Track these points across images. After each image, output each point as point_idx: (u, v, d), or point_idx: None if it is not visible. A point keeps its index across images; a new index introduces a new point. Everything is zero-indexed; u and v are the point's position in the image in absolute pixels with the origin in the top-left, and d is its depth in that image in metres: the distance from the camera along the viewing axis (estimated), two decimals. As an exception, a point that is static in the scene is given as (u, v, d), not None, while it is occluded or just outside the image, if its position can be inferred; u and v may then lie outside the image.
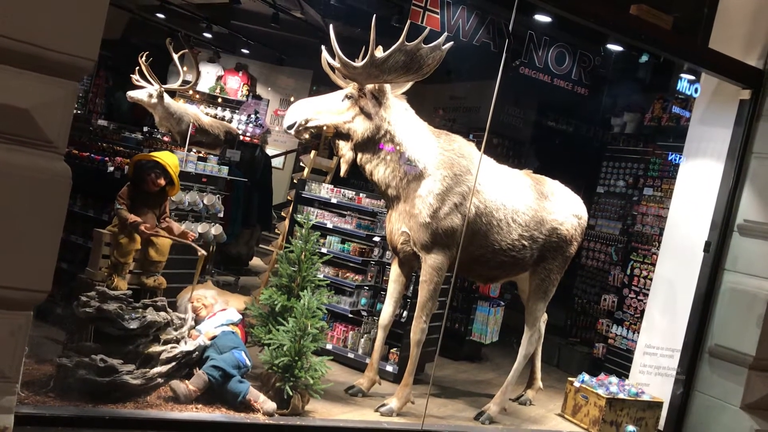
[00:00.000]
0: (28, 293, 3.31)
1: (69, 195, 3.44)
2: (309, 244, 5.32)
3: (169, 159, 5.05)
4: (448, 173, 5.36)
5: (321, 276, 6.33)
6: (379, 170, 5.35)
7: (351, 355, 6.47)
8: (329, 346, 6.50)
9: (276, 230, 7.33)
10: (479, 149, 5.59)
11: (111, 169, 5.57)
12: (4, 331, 3.27)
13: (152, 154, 5.09)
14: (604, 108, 8.89)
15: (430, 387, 5.63)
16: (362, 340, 6.49)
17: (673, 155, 7.46)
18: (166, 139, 8.34)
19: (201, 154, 6.19)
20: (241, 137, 11.02)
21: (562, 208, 5.96)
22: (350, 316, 6.59)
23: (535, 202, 5.79)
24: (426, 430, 5.23)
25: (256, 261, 10.64)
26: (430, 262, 5.37)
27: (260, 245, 10.89)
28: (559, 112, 9.78)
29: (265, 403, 4.75)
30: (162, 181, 5.02)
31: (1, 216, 3.19)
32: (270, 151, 12.30)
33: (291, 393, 4.81)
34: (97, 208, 5.67)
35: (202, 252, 5.01)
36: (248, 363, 4.94)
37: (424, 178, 5.34)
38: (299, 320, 4.90)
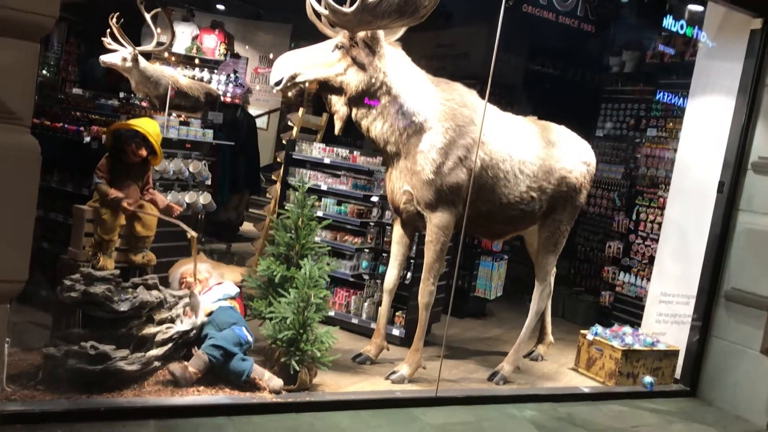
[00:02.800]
0: (2, 284, 2.96)
1: (39, 172, 3.07)
2: (306, 209, 4.98)
3: (150, 127, 4.65)
4: (451, 125, 5.00)
5: (318, 240, 6.03)
6: (376, 126, 4.98)
7: (355, 321, 6.20)
8: (331, 313, 6.22)
9: (267, 194, 6.98)
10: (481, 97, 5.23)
11: (87, 139, 5.15)
12: (-22, 328, 2.93)
13: (131, 122, 4.68)
14: (603, 47, 8.50)
15: (443, 350, 5.36)
16: (365, 304, 6.21)
17: (677, 94, 7.13)
18: (144, 104, 7.90)
19: (182, 119, 5.78)
20: (222, 98, 10.55)
21: (571, 156, 5.64)
22: (351, 280, 6.30)
23: (542, 151, 5.46)
24: (441, 396, 4.99)
25: (247, 226, 10.29)
26: (436, 221, 5.06)
27: (250, 210, 10.54)
28: (554, 53, 9.38)
29: (270, 380, 4.47)
30: (143, 152, 4.63)
31: (-37, 200, 2.82)
32: (253, 111, 11.83)
33: (297, 368, 4.53)
34: (75, 183, 5.27)
35: (192, 234, 4.66)
36: (250, 339, 4.64)
37: (425, 132, 4.98)
38: (301, 291, 4.59)
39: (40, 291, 5.10)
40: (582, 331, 6.34)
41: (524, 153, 5.36)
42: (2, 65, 2.84)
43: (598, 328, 6.27)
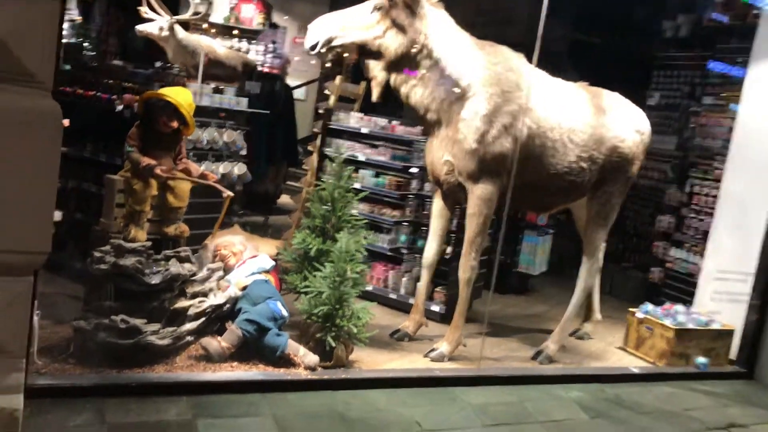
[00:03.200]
0: (25, 256, 2.84)
1: (61, 138, 2.93)
2: (342, 180, 4.78)
3: (182, 97, 4.49)
4: (496, 91, 4.72)
5: (356, 213, 5.84)
6: (416, 92, 4.73)
7: (393, 296, 6.02)
8: (369, 288, 6.04)
9: (304, 166, 6.80)
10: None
11: (120, 107, 5.02)
12: (1, 302, 2.82)
13: (163, 91, 4.52)
14: (656, 10, 8.04)
15: (485, 328, 5.14)
16: (404, 279, 6.02)
17: (737, 60, 6.70)
18: (179, 72, 7.76)
19: (219, 87, 5.62)
20: (260, 69, 10.38)
21: (623, 124, 5.30)
22: (389, 254, 6.10)
23: (593, 119, 5.14)
24: (482, 375, 4.79)
25: (285, 198, 10.17)
26: (479, 193, 4.81)
27: (288, 182, 10.40)
28: (604, 18, 8.91)
29: (305, 356, 4.32)
30: (174, 123, 4.48)
31: (-18, 168, 2.69)
32: (291, 82, 11.64)
33: (333, 344, 4.37)
34: (108, 152, 5.17)
35: (228, 193, 4.50)
36: (285, 313, 4.49)
37: (469, 98, 4.72)
38: (337, 265, 4.41)
39: (73, 262, 5.04)
40: (631, 309, 6.05)
41: (574, 121, 5.05)
42: (19, 24, 2.68)
43: (649, 306, 5.97)
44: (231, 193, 4.51)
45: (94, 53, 15.02)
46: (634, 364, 5.69)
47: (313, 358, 4.32)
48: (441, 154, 4.87)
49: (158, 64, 8.53)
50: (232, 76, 9.19)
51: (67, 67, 5.77)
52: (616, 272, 8.05)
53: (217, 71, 8.98)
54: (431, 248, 5.24)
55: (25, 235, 2.81)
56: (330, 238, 4.77)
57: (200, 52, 8.40)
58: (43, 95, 2.82)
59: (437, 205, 5.21)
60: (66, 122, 3.02)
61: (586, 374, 5.22)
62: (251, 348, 4.29)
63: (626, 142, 5.27)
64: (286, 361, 4.32)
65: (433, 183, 5.17)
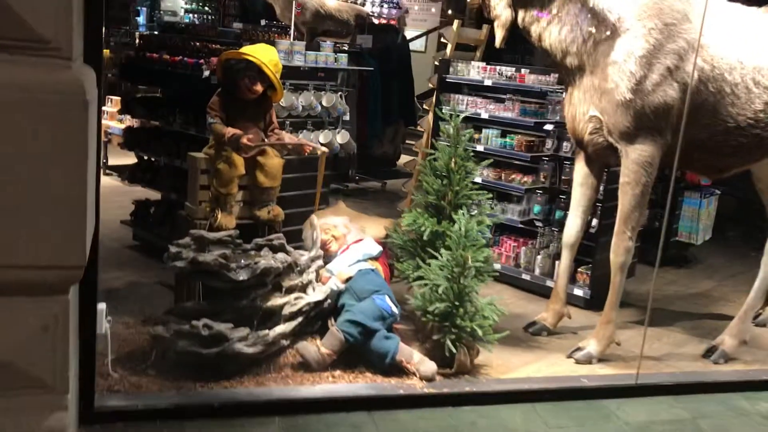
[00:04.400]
0: (56, 272, 2.26)
1: (94, 119, 2.31)
2: (460, 147, 3.93)
3: (264, 54, 3.79)
4: (656, 24, 3.66)
5: (479, 180, 5.00)
6: (551, 32, 3.77)
7: (526, 277, 5.15)
8: (497, 266, 5.20)
9: (419, 127, 6.00)
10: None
11: (207, 73, 4.42)
12: (33, 327, 2.27)
13: (243, 50, 3.84)
14: None
15: (647, 319, 4.14)
16: (539, 257, 5.12)
17: None
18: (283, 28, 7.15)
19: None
20: (376, 20, 9.58)
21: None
22: (521, 227, 5.21)
23: (789, 53, 3.94)
24: (642, 384, 3.84)
25: (405, 158, 9.44)
26: (635, 156, 3.80)
27: (408, 141, 9.65)
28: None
29: (421, 363, 3.58)
30: (258, 86, 3.79)
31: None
32: (409, 33, 10.76)
33: (453, 350, 3.60)
34: (198, 125, 4.60)
35: (321, 149, 3.81)
36: (395, 310, 3.77)
37: (620, 35, 3.70)
38: (455, 252, 3.61)
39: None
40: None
41: (760, 58, 3.89)
42: (15, -28, 2.04)
43: None
44: (325, 149, 3.82)
45: (214, 16, 14.82)
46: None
47: (430, 366, 3.58)
48: (585, 108, 3.89)
49: (263, 22, 8.00)
50: (344, 29, 8.50)
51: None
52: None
53: (329, 25, 8.33)
54: (574, 223, 4.31)
55: (53, 245, 2.22)
56: (446, 217, 3.96)
57: (310, 7, 7.79)
58: (63, 66, 2.19)
59: (580, 171, 4.25)
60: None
61: (778, 379, 4.14)
62: (356, 352, 3.62)
63: (833, 82, 4.02)
64: (398, 370, 3.60)
65: (575, 144, 4.21)
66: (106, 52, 6.80)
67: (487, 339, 3.69)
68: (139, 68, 4.99)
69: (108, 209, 6.17)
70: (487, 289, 4.00)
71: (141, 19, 13.61)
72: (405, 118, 8.73)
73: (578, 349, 4.11)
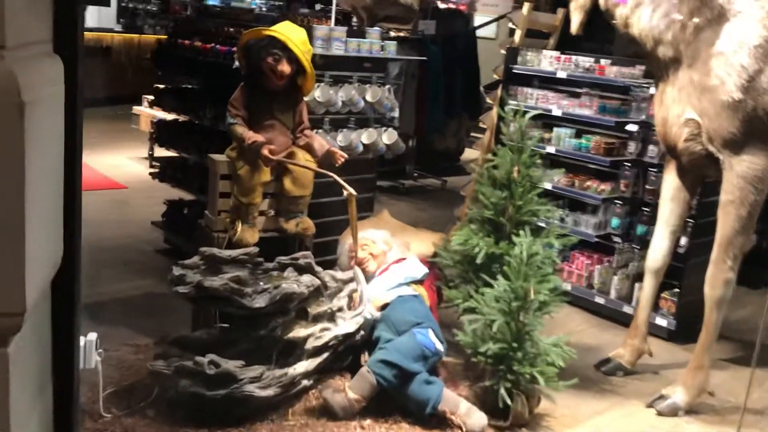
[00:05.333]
0: (-13, 320, 1.77)
1: (23, 125, 1.79)
2: (524, 153, 3.28)
3: (290, 31, 3.23)
4: (778, 5, 2.92)
5: (549, 187, 4.35)
6: (640, 15, 3.09)
7: (600, 300, 4.46)
8: (567, 286, 4.54)
9: (480, 123, 5.35)
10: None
11: (237, 63, 3.91)
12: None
13: (266, 28, 3.28)
14: None
15: (754, 360, 3.38)
16: (616, 278, 4.42)
17: None
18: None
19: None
20: (440, 5, 8.93)
21: None
22: (595, 241, 4.51)
23: None
24: (743, 450, 3.13)
25: (470, 153, 8.77)
26: (741, 169, 3.08)
27: (472, 135, 8.97)
28: None
29: (468, 414, 2.98)
30: (285, 66, 3.21)
31: None
32: (479, 19, 10.05)
33: (509, 401, 2.98)
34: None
35: (350, 191, 3.24)
36: (439, 347, 3.18)
37: (729, 20, 2.97)
38: (515, 282, 2.98)
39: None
40: None
41: None
42: None
43: None
44: (354, 192, 3.23)
45: (280, 0, 14.43)
46: None
47: (479, 420, 2.97)
48: (680, 109, 3.19)
49: (318, 6, 7.49)
50: (407, 15, 7.89)
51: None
52: None
53: (390, 11, 7.74)
54: (661, 245, 3.61)
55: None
56: (505, 237, 3.33)
57: (370, -12, 7.25)
58: (-8, 56, 1.68)
59: (671, 184, 3.53)
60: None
61: None
62: (391, 398, 3.05)
63: None
64: (441, 420, 3.01)
65: (666, 150, 3.50)
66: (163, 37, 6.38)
67: (551, 386, 3.05)
68: (169, 56, 4.54)
69: (144, 206, 5.85)
70: (551, 340, 3.35)
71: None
72: (469, 111, 8.06)
73: (661, 397, 3.42)
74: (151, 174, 4.97)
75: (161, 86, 5.65)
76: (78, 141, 2.29)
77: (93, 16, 12.72)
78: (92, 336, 2.63)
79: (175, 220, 4.78)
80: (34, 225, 1.77)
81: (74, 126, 2.24)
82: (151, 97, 6.50)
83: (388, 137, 4.03)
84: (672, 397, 3.40)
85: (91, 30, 10.53)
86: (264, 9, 11.83)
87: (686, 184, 3.49)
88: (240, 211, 3.32)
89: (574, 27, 3.31)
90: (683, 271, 4.16)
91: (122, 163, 7.25)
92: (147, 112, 7.28)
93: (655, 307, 4.17)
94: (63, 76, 2.05)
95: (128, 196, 6.15)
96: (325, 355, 3.11)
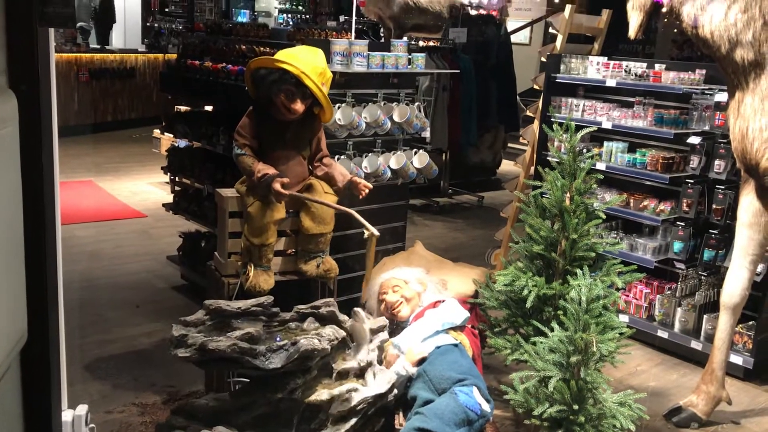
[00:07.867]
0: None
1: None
2: (578, 178, 2.82)
3: (305, 61, 2.81)
4: None
5: (600, 206, 3.87)
6: (714, 13, 2.60)
7: (662, 334, 3.96)
8: (624, 318, 4.06)
9: (521, 138, 4.90)
10: None
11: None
12: None
13: (278, 55, 2.88)
14: None
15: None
16: (680, 309, 3.92)
17: None
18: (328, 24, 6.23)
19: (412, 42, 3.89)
20: (471, 12, 8.49)
21: None
22: (655, 266, 4.02)
23: None
24: None
25: (507, 166, 8.30)
26: (841, 191, 2.58)
27: (510, 145, 8.51)
28: None
29: (521, 489, 2.53)
30: (299, 105, 2.83)
31: None
32: (511, 25, 9.59)
33: (569, 473, 2.52)
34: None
35: (372, 231, 2.82)
36: (486, 408, 2.72)
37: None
38: (574, 334, 2.52)
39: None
40: None
41: None
42: None
43: None
44: (376, 233, 2.82)
45: (306, 14, 14.12)
46: None
47: (534, 496, 2.52)
48: (762, 121, 2.71)
49: (343, 18, 7.15)
50: (436, 24, 7.48)
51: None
52: None
53: (419, 20, 7.35)
54: (738, 277, 3.12)
55: None
56: (559, 275, 2.87)
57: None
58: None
59: (749, 208, 3.04)
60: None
61: None
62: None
63: None
64: (489, 497, 2.57)
65: (744, 169, 3.00)
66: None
67: (618, 452, 2.58)
68: (178, 77, 4.18)
69: (163, 237, 5.52)
70: (617, 398, 2.90)
71: (243, 19, 13.16)
72: (505, 122, 7.60)
73: (676, 408, 2.95)
74: (164, 205, 4.62)
75: (179, 109, 5.35)
76: (47, 191, 1.91)
77: (120, 38, 12.62)
78: (81, 409, 2.27)
79: (192, 254, 4.42)
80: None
81: (39, 174, 1.87)
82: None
83: (419, 160, 3.61)
84: (688, 408, 2.92)
85: (115, 51, 10.37)
86: (291, 25, 11.56)
87: (767, 207, 3.00)
88: (252, 254, 2.92)
89: (633, 30, 2.86)
90: (762, 303, 3.65)
91: (144, 189, 6.95)
92: (166, 136, 6.98)
93: (732, 342, 3.66)
94: (16, 115, 1.69)
95: (148, 226, 5.83)
96: (353, 420, 2.68)
